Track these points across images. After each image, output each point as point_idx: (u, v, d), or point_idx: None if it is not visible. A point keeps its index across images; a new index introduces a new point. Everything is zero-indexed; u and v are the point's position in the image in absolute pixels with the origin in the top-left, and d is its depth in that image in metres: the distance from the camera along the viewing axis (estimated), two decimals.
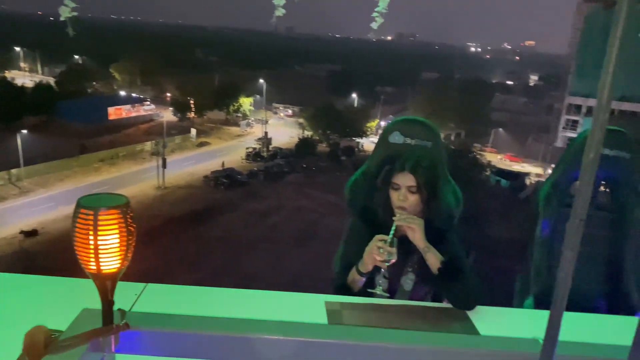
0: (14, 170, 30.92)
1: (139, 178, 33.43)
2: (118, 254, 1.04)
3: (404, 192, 1.84)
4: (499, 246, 21.08)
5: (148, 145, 39.13)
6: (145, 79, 58.48)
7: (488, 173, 38.45)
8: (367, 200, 2.05)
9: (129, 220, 1.04)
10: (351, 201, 2.16)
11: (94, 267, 1.04)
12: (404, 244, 1.83)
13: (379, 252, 1.75)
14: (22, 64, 72.32)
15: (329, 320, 1.59)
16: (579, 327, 1.61)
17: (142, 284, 1.75)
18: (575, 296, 2.40)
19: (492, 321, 1.64)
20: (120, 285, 1.69)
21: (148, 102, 52.01)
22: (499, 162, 43.93)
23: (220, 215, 27.96)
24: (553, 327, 1.01)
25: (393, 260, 1.76)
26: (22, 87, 44.37)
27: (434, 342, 1.27)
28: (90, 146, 37.27)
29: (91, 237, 1.01)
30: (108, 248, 1.03)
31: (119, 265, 1.06)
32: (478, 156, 39.54)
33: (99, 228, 1.00)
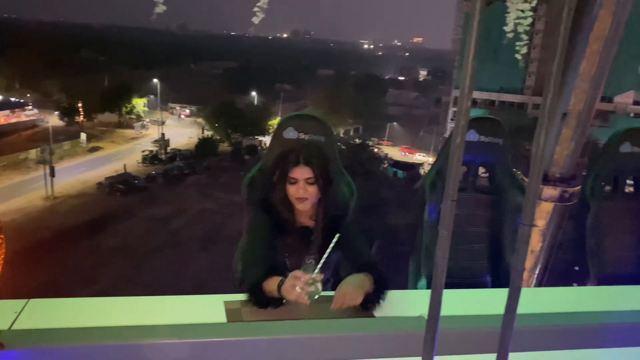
0: None
1: (25, 189, 30.74)
2: None
3: (302, 185, 1.88)
4: (398, 233, 22.09)
5: (33, 153, 35.95)
6: (25, 82, 53.63)
7: (386, 165, 40.08)
8: (265, 196, 2.06)
9: None
10: (249, 199, 2.16)
11: None
12: (304, 234, 1.89)
13: (300, 292, 1.54)
14: None
15: (227, 319, 1.57)
16: (463, 302, 1.74)
17: (24, 301, 1.62)
18: (463, 273, 2.59)
19: (387, 304, 1.72)
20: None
21: (30, 107, 47.92)
22: (396, 155, 45.94)
23: (118, 223, 26.51)
24: (435, 303, 1.07)
25: (317, 297, 1.61)
26: None
27: (330, 329, 1.31)
28: None
29: None
30: None
31: None
32: (376, 149, 41.09)
33: None
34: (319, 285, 1.62)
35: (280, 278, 1.60)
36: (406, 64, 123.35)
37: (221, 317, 1.58)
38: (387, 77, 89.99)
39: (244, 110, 45.78)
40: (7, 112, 44.77)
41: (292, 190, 1.90)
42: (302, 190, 1.88)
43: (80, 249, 22.94)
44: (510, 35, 2.27)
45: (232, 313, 1.63)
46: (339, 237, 1.73)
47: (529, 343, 1.43)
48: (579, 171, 3.34)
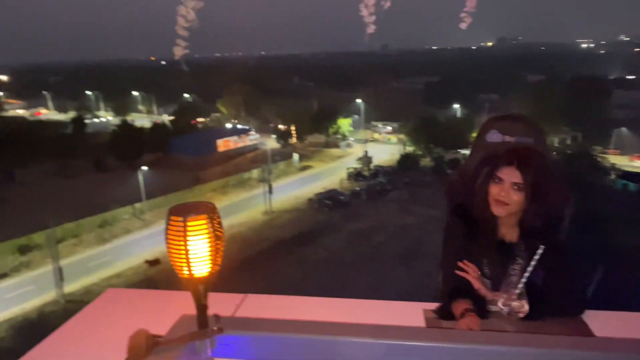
0: (137, 205, 33.53)
1: (248, 204, 34.93)
2: (208, 258, 1.08)
3: (507, 188, 1.68)
4: (630, 256, 19.10)
5: (255, 173, 40.90)
6: (249, 111, 61.71)
7: (613, 177, 35.31)
8: (462, 202, 1.95)
9: (216, 225, 1.08)
10: (449, 203, 2.07)
11: (187, 272, 1.09)
12: (504, 247, 1.74)
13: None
14: (140, 107, 79.32)
15: (427, 326, 1.53)
16: None
17: (242, 295, 1.82)
18: None
19: (608, 325, 1.47)
20: (224, 297, 1.77)
21: (252, 132, 54.72)
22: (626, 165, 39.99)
23: (325, 236, 28.44)
24: None
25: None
26: (141, 128, 48.79)
27: (540, 344, 1.16)
28: (203, 177, 39.73)
29: (182, 243, 1.06)
30: (198, 253, 1.07)
31: (209, 270, 1.10)
32: (599, 159, 36.49)
33: (188, 233, 1.05)
34: (524, 302, 1.56)
35: (465, 306, 1.63)
36: (636, 61, 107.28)
37: (419, 323, 1.54)
38: (612, 77, 79.35)
39: (446, 124, 45.14)
40: (235, 137, 51.79)
41: (495, 190, 1.70)
42: (505, 194, 1.68)
43: (293, 257, 25.24)
44: None
45: (432, 322, 1.58)
46: (544, 250, 1.59)
47: None
48: None
